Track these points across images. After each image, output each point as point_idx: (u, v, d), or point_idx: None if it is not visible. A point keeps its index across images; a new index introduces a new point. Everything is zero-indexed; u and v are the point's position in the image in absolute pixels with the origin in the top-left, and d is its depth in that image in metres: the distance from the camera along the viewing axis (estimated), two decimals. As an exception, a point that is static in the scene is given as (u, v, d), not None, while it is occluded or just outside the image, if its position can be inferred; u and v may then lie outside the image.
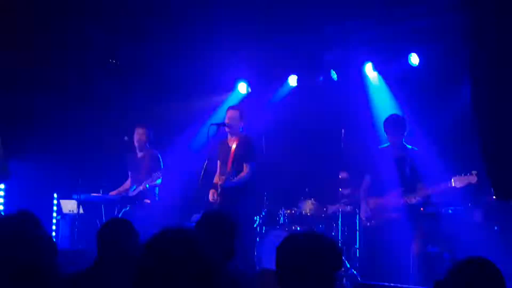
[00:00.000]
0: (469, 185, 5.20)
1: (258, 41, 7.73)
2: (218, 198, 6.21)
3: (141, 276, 1.63)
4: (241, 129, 6.43)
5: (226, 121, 6.38)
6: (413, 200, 5.52)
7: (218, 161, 6.53)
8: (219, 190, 6.23)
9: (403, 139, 5.80)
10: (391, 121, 5.83)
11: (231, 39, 7.50)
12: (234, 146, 6.39)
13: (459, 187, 5.26)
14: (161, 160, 7.31)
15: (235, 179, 6.20)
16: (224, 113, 6.70)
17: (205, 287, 1.62)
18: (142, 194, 7.17)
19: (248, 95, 8.59)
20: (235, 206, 5.96)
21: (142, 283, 1.63)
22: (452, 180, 5.25)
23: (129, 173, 7.58)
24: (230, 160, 6.32)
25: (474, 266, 2.46)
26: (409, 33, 6.89)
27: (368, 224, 5.84)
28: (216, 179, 6.38)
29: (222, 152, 6.49)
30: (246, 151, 6.32)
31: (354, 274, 6.38)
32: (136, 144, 7.36)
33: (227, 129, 6.40)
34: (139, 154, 7.39)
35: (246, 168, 6.28)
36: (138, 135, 7.32)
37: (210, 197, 6.25)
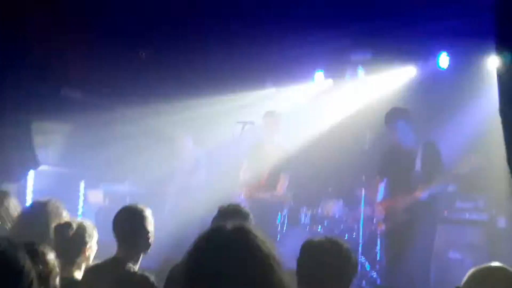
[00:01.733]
0: (472, 168, 4.82)
1: (285, 38, 7.71)
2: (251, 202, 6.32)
3: (195, 278, 1.47)
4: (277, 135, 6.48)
5: (265, 128, 6.38)
6: (419, 194, 5.03)
7: (249, 162, 6.55)
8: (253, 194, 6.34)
9: (409, 133, 5.35)
10: (390, 113, 5.36)
11: (259, 36, 7.50)
12: (271, 153, 6.43)
13: (464, 173, 4.87)
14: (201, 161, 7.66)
15: (277, 197, 6.34)
16: (252, 111, 6.79)
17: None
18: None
19: (275, 93, 8.61)
20: (264, 209, 6.14)
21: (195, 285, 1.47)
22: (456, 167, 4.89)
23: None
24: (267, 168, 6.37)
25: (492, 273, 2.45)
26: (440, 33, 6.77)
27: (380, 228, 5.60)
28: (255, 184, 6.42)
29: (257, 155, 6.51)
30: (283, 161, 6.38)
31: (374, 277, 6.34)
32: (181, 147, 7.87)
33: (265, 136, 6.41)
34: (184, 155, 7.85)
35: (283, 180, 6.39)
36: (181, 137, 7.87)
37: (244, 194, 6.37)
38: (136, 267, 3.16)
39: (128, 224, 3.22)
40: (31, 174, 7.83)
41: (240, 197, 6.39)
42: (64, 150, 7.89)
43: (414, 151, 5.27)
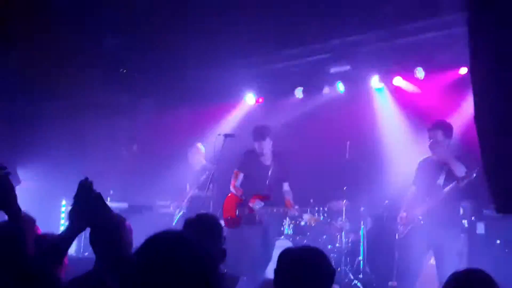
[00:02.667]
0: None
1: (267, 53, 7.81)
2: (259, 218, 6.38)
3: (136, 281, 1.59)
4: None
5: (260, 151, 6.40)
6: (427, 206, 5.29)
7: (244, 171, 6.54)
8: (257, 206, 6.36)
9: (447, 145, 5.42)
10: (428, 127, 5.53)
11: (240, 50, 7.58)
12: (269, 163, 6.47)
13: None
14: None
15: (295, 210, 6.41)
16: (232, 122, 6.76)
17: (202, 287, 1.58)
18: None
19: (255, 106, 8.68)
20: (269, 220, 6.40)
21: None
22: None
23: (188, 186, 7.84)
24: (267, 179, 6.40)
25: (470, 277, 2.50)
26: (416, 47, 6.91)
27: (397, 236, 5.73)
28: (255, 197, 6.41)
29: (253, 166, 6.49)
30: (284, 170, 6.47)
31: (358, 286, 6.39)
32: (194, 161, 7.76)
33: (259, 152, 6.44)
34: (197, 168, 7.75)
35: (286, 187, 6.51)
36: (194, 152, 7.74)
37: (252, 204, 6.36)
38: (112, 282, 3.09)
39: (102, 235, 3.12)
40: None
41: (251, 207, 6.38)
42: (45, 166, 7.83)
43: (444, 163, 5.38)
